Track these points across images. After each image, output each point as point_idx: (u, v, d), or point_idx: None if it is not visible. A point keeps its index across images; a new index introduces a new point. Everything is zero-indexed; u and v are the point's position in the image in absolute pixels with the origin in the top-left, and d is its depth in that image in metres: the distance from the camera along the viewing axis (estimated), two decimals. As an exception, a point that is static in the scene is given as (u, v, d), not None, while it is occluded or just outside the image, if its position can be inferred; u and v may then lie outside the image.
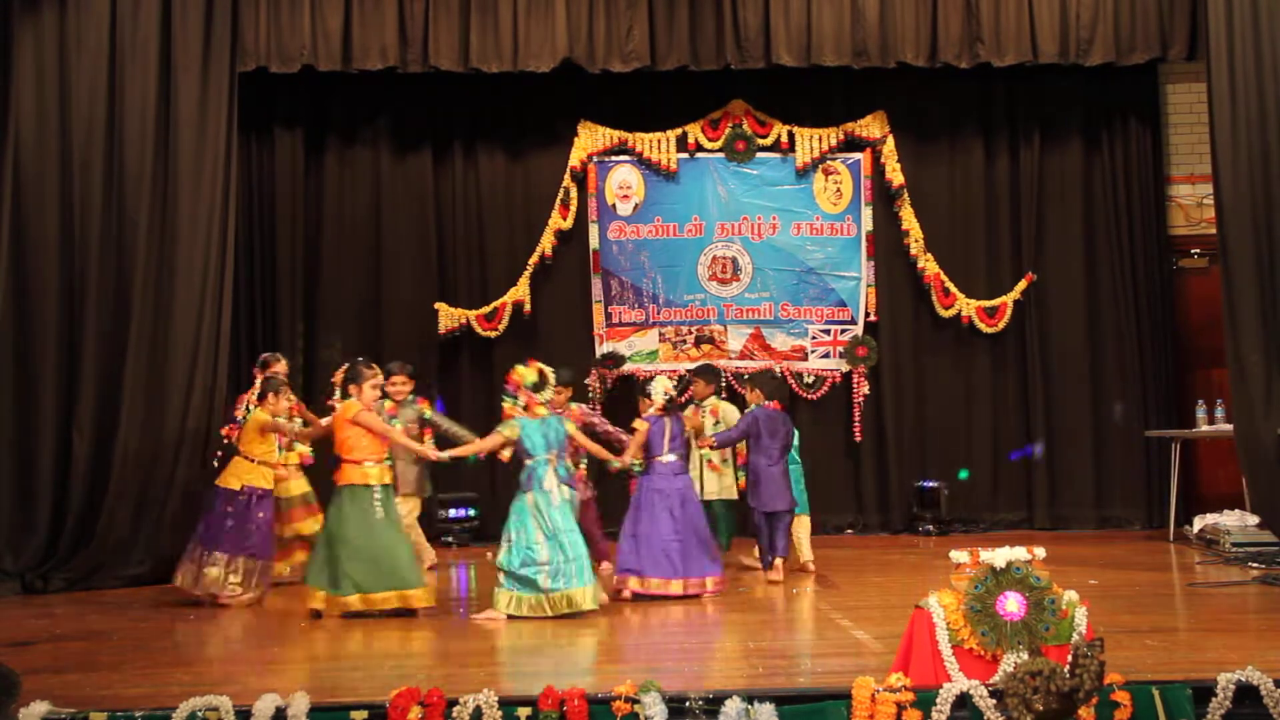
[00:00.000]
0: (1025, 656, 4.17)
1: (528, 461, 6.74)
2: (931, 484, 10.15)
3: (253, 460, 7.31)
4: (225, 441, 7.74)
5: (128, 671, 5.20)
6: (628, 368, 10.27)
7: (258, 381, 7.68)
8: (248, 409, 7.63)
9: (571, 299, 10.48)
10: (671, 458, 7.29)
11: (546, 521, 6.56)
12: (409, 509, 7.89)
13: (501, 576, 6.55)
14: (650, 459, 7.27)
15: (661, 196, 10.46)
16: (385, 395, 7.57)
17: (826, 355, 10.42)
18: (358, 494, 6.66)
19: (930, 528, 10.02)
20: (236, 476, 7.29)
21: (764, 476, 7.69)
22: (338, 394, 6.98)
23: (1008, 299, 10.42)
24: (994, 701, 4.09)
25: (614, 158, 10.48)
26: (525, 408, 6.80)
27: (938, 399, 10.49)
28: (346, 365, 6.98)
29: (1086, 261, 10.45)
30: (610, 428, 7.95)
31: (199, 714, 4.13)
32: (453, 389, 10.15)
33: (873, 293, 10.43)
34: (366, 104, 10.33)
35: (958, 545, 4.93)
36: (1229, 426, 8.72)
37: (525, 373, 6.85)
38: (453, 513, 9.90)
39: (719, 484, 8.34)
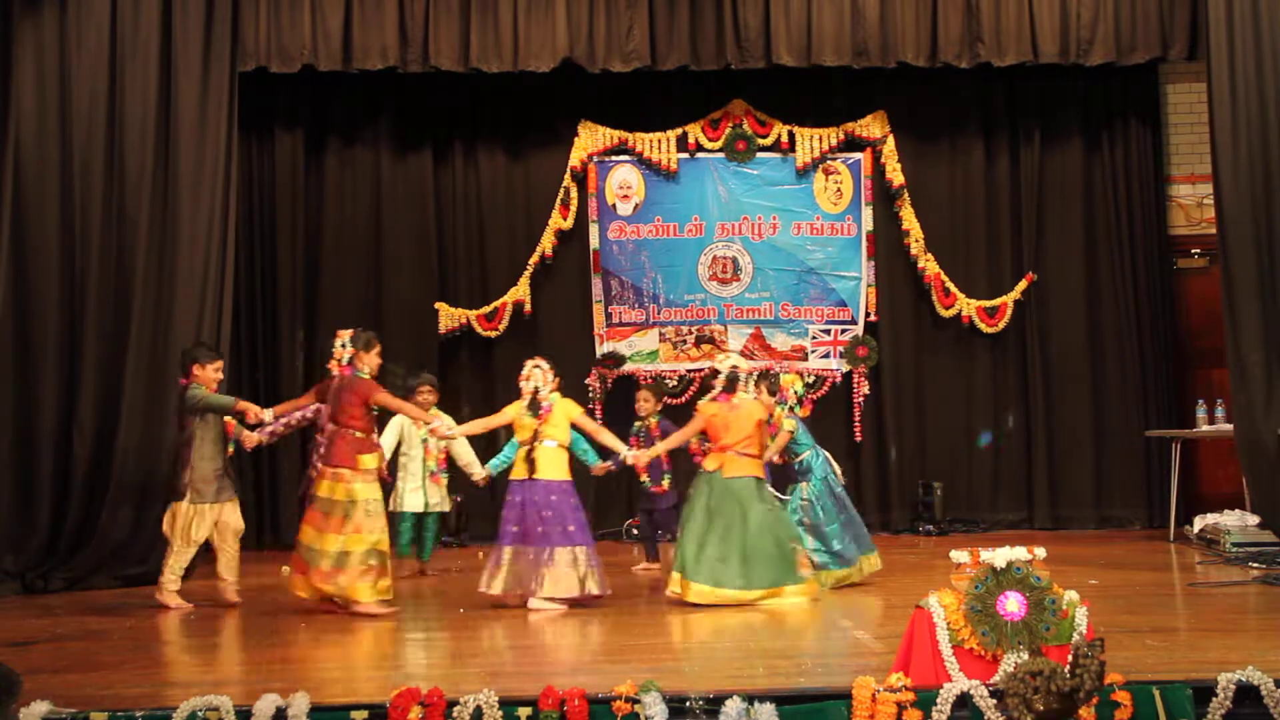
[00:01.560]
0: (1025, 656, 4.17)
1: (804, 455, 7.37)
2: (931, 484, 10.16)
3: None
4: (534, 438, 6.88)
5: (128, 671, 5.20)
6: (628, 368, 10.27)
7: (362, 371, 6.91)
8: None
9: (571, 299, 10.48)
10: None
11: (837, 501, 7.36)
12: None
13: (820, 558, 7.06)
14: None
15: (662, 196, 10.46)
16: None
17: (827, 355, 10.42)
18: (754, 485, 6.84)
19: (930, 528, 10.03)
20: (561, 469, 6.88)
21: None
22: (721, 391, 6.98)
23: (1008, 299, 10.42)
24: (994, 701, 4.09)
25: (614, 158, 10.48)
26: (795, 409, 7.53)
27: (938, 399, 10.49)
28: (733, 366, 7.03)
29: (1086, 261, 10.45)
30: None
31: (199, 714, 4.13)
32: (453, 389, 10.15)
33: (873, 293, 10.43)
34: (366, 104, 10.34)
35: (958, 545, 4.93)
36: (1229, 426, 8.72)
37: (792, 380, 7.66)
38: None
39: (439, 495, 8.35)
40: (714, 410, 6.89)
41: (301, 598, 6.75)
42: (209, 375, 7.22)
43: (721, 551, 6.63)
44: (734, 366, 6.98)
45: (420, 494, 8.23)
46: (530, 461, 6.75)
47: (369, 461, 6.72)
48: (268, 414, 7.18)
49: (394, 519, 7.89)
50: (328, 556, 6.59)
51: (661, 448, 7.41)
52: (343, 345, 6.90)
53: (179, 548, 7.06)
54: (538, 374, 6.92)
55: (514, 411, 6.92)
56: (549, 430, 6.82)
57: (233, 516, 7.16)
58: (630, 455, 7.21)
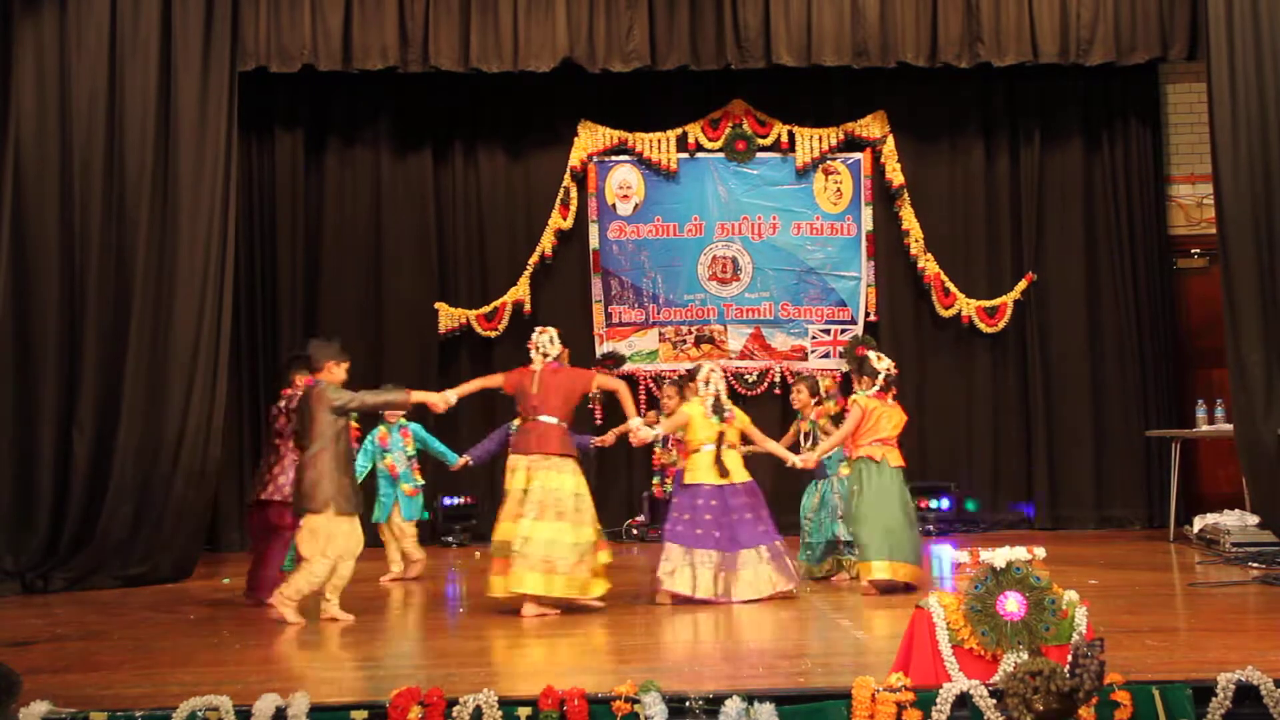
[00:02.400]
0: (1025, 656, 4.16)
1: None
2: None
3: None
4: (720, 442, 7.21)
5: (128, 671, 5.20)
6: (628, 367, 10.26)
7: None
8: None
9: (571, 299, 10.48)
10: None
11: None
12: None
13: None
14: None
15: (661, 196, 10.46)
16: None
17: (826, 355, 10.42)
18: (899, 474, 7.20)
19: (930, 528, 10.02)
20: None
21: None
22: (879, 389, 7.30)
23: (1008, 299, 10.42)
24: (994, 701, 4.08)
25: (614, 157, 10.48)
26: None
27: (938, 399, 10.49)
28: (889, 367, 7.34)
29: (1086, 261, 10.45)
30: None
31: (199, 714, 4.13)
32: (447, 389, 10.14)
33: (873, 292, 10.43)
34: (366, 104, 10.34)
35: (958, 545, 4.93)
36: (1229, 426, 8.71)
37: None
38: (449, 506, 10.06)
39: None
40: (875, 405, 7.24)
41: (514, 595, 6.52)
42: (341, 375, 6.62)
43: (905, 527, 7.08)
44: (890, 368, 7.35)
45: None
46: (721, 464, 6.88)
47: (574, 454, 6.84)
48: (452, 395, 6.82)
49: None
50: (563, 547, 6.49)
51: (829, 445, 7.41)
52: (550, 341, 6.88)
53: (318, 563, 6.36)
54: (716, 377, 7.10)
55: (693, 412, 7.03)
56: (731, 435, 7.00)
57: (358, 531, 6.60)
58: (798, 460, 7.30)
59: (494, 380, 7.04)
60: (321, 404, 6.43)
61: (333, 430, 6.42)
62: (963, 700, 4.12)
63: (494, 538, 6.68)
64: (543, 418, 6.69)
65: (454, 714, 4.13)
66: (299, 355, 7.08)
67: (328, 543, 6.35)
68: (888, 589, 6.90)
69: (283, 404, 7.12)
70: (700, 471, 6.91)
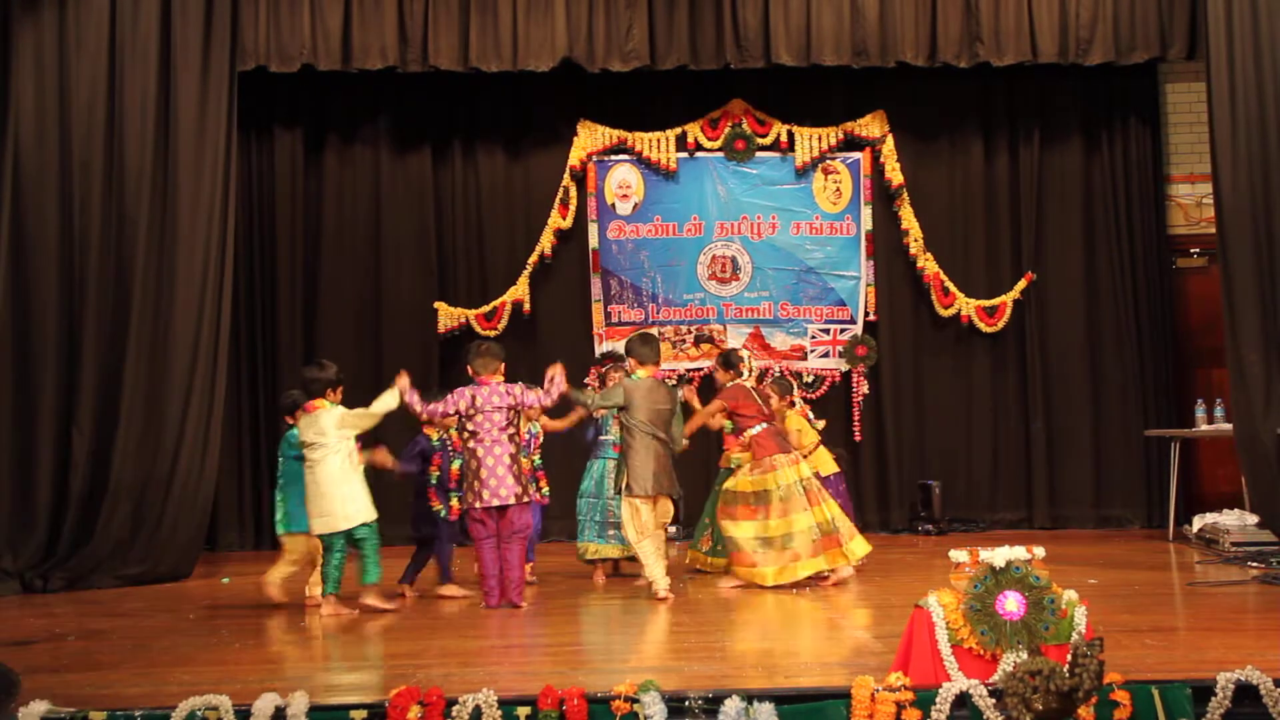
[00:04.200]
0: (1025, 656, 4.16)
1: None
2: (929, 483, 10.15)
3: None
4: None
5: (128, 671, 5.20)
6: (627, 367, 10.26)
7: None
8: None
9: (571, 298, 10.48)
10: None
11: None
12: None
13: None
14: None
15: (661, 196, 10.46)
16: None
17: (826, 355, 10.43)
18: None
19: (930, 527, 10.02)
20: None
21: None
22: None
23: (1007, 299, 10.42)
24: (993, 701, 4.08)
25: (614, 157, 10.48)
26: None
27: (937, 398, 10.49)
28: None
29: (1086, 261, 10.45)
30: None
31: (199, 713, 4.13)
32: (453, 388, 10.14)
33: (872, 292, 10.43)
34: (366, 104, 10.34)
35: (957, 545, 4.93)
36: (1229, 426, 8.72)
37: None
38: None
39: None
40: None
41: (770, 586, 7.10)
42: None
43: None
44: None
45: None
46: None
47: None
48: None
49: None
50: (810, 531, 7.20)
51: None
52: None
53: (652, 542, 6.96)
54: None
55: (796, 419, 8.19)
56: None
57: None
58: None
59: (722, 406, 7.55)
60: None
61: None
62: (962, 700, 4.12)
63: (794, 530, 7.17)
64: (767, 424, 7.48)
65: (453, 713, 4.12)
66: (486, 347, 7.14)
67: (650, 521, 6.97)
68: None
69: (511, 396, 6.83)
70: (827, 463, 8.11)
